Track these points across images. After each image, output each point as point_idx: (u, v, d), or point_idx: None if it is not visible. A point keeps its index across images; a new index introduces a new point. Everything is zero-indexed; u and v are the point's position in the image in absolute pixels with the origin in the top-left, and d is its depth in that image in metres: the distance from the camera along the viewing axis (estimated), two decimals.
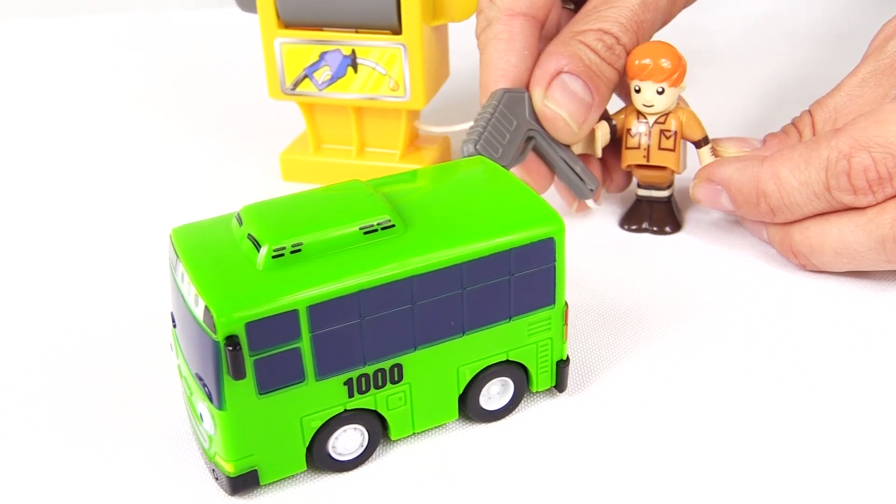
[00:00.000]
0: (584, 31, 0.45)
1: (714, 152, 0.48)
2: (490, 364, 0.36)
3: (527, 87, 0.45)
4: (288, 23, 0.51)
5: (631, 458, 0.36)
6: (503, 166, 0.40)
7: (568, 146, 0.47)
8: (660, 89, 0.46)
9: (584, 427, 0.37)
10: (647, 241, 0.49)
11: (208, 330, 0.31)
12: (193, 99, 0.66)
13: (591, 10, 0.46)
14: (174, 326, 0.36)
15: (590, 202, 0.49)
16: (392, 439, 0.36)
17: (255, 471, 0.34)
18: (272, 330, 0.32)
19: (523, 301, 0.36)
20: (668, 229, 0.50)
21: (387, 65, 0.51)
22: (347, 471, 0.36)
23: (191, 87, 0.68)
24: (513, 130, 0.43)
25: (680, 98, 0.48)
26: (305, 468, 0.35)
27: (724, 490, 0.34)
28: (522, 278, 0.35)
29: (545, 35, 0.47)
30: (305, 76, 0.52)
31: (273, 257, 0.32)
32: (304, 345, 0.33)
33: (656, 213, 0.50)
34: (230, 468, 0.34)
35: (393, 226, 0.34)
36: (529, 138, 0.45)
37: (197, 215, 0.51)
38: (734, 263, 0.47)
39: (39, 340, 0.43)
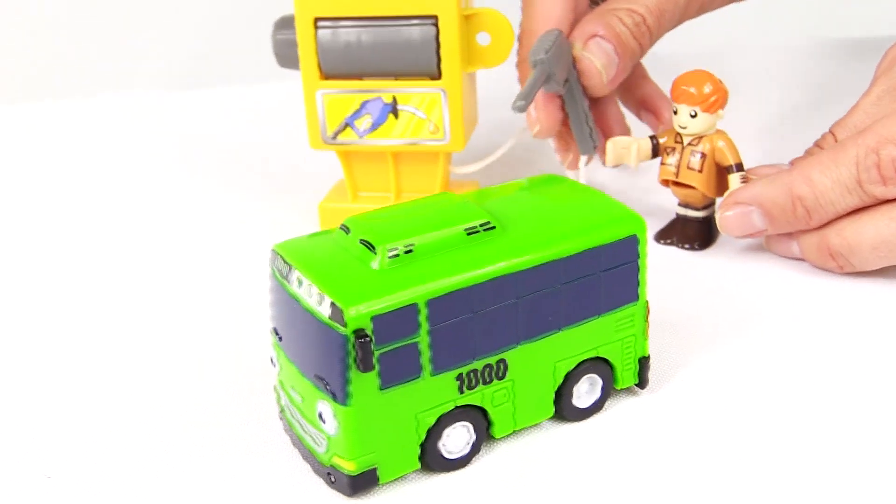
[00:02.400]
0: (616, 9, 0.52)
1: (744, 180, 0.51)
2: (582, 360, 0.38)
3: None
4: (329, 75, 0.54)
5: (727, 454, 0.37)
6: (554, 88, 0.48)
7: (590, 101, 0.53)
8: (693, 112, 0.50)
9: (672, 424, 0.39)
10: (680, 257, 0.52)
11: (336, 325, 0.33)
12: (230, 163, 0.68)
13: None
14: (279, 339, 0.37)
15: (581, 161, 0.54)
16: (495, 437, 0.38)
17: (375, 469, 0.35)
18: (395, 324, 0.33)
19: (611, 297, 0.38)
20: (696, 245, 0.53)
21: (427, 109, 0.53)
22: (455, 470, 0.37)
23: (225, 153, 0.70)
24: (563, 63, 0.50)
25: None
26: (419, 466, 0.36)
27: (805, 483, 0.36)
28: (610, 275, 0.38)
29: (579, 14, 0.53)
30: (347, 125, 0.54)
31: (389, 258, 0.34)
32: (423, 339, 0.34)
33: (689, 231, 0.53)
34: (352, 466, 0.35)
35: (493, 227, 0.36)
36: (566, 80, 0.51)
37: (244, 265, 0.53)
38: (769, 276, 0.50)
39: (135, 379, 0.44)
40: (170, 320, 0.48)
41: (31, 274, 0.54)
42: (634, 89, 0.58)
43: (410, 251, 0.35)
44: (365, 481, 0.35)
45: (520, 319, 0.36)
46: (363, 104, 0.54)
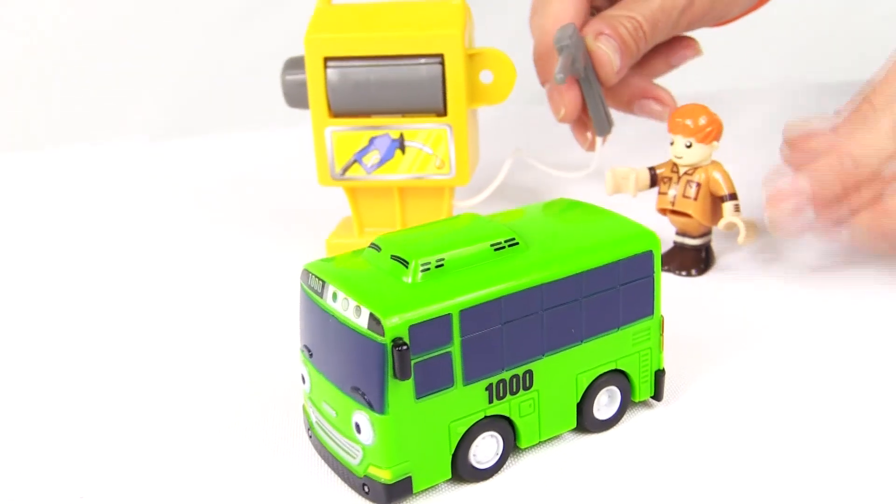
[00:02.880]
0: (618, 15, 0.59)
1: (737, 208, 0.53)
2: (602, 372, 0.40)
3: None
4: (338, 113, 0.55)
5: (751, 465, 0.39)
6: (577, 70, 0.57)
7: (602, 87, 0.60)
8: (688, 143, 0.52)
9: (690, 435, 0.40)
10: (678, 282, 0.54)
11: (374, 335, 0.34)
12: (234, 205, 0.69)
13: (624, 5, 0.60)
14: (310, 357, 0.38)
15: (598, 142, 0.61)
16: (521, 448, 0.39)
17: (410, 478, 0.36)
18: (430, 334, 0.35)
19: (628, 311, 0.40)
20: (694, 272, 0.55)
21: (433, 145, 0.55)
22: (484, 479, 0.38)
23: (229, 196, 0.71)
24: (581, 50, 0.58)
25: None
26: (450, 476, 0.37)
27: (813, 490, 0.37)
28: (628, 289, 0.39)
29: (585, 20, 0.60)
30: (355, 161, 0.56)
31: (421, 271, 0.36)
32: (455, 349, 0.35)
33: (686, 259, 0.55)
34: (387, 475, 0.36)
35: (517, 243, 0.38)
36: (584, 67, 0.58)
37: (256, 301, 0.54)
38: (766, 297, 0.52)
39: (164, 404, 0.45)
40: (190, 356, 0.49)
41: (57, 311, 0.55)
42: (625, 87, 0.63)
43: (441, 265, 0.36)
44: (400, 490, 0.36)
45: (544, 331, 0.37)
46: (371, 140, 0.56)
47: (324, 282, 0.37)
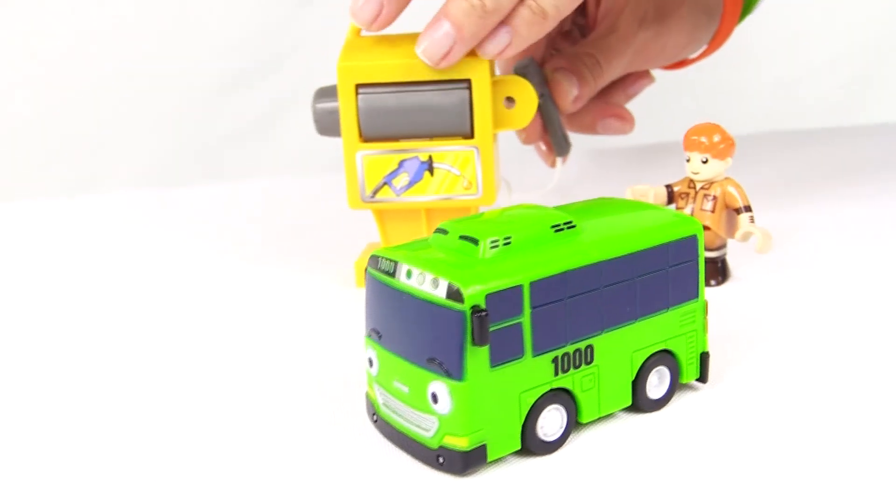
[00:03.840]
0: (578, 53, 0.66)
1: (752, 219, 0.56)
2: (654, 352, 0.42)
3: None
4: (369, 138, 0.58)
5: (792, 441, 0.40)
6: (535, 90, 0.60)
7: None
8: (704, 159, 0.55)
9: (737, 414, 0.42)
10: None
11: (454, 304, 0.36)
12: (261, 242, 0.71)
13: (587, 43, 0.67)
14: (379, 339, 0.40)
15: (558, 161, 0.67)
16: (581, 423, 0.40)
17: (484, 446, 0.37)
18: (504, 303, 0.37)
19: (676, 293, 0.42)
20: (713, 283, 0.57)
21: (461, 166, 0.58)
22: (550, 452, 0.39)
23: (254, 234, 0.73)
24: (537, 79, 0.63)
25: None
26: (520, 446, 0.39)
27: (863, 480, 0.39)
28: (675, 271, 0.42)
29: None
30: (385, 184, 0.58)
31: (490, 248, 0.38)
32: (525, 320, 0.37)
33: (704, 270, 0.57)
34: (464, 443, 0.37)
35: (575, 226, 0.40)
36: (541, 95, 0.63)
37: (303, 318, 0.56)
38: (784, 302, 0.55)
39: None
40: (258, 371, 0.50)
41: (116, 343, 0.56)
42: (587, 112, 0.70)
43: (508, 243, 0.38)
44: (476, 457, 0.37)
45: (604, 308, 0.40)
46: (401, 163, 0.58)
47: (396, 262, 0.39)
